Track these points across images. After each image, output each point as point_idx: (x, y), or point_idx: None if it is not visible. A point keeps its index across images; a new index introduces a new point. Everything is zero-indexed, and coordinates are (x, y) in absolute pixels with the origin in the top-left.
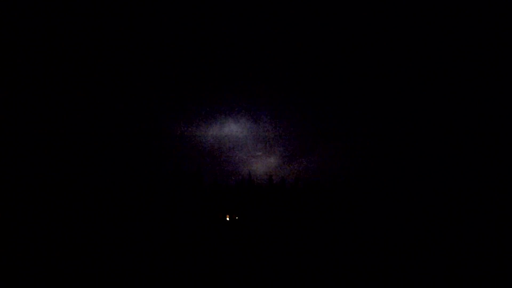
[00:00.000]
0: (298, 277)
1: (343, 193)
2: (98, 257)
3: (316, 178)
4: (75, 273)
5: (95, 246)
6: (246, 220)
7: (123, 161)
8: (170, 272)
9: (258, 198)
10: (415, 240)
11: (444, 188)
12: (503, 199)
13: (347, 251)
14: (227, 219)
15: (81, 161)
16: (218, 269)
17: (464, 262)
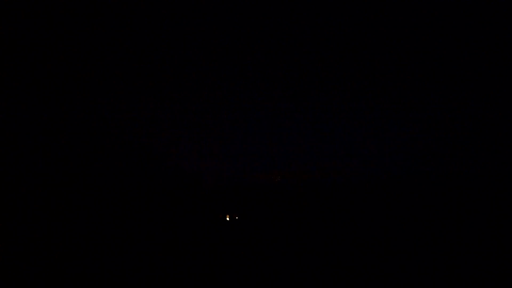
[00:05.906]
0: (299, 277)
1: (343, 194)
2: (98, 257)
3: (317, 178)
4: (75, 273)
5: (94, 246)
6: (246, 220)
7: (123, 161)
8: (170, 272)
9: (258, 198)
10: (416, 240)
11: (446, 188)
12: (503, 199)
13: (347, 251)
14: (227, 219)
15: (81, 160)
16: (218, 269)
17: (464, 262)
